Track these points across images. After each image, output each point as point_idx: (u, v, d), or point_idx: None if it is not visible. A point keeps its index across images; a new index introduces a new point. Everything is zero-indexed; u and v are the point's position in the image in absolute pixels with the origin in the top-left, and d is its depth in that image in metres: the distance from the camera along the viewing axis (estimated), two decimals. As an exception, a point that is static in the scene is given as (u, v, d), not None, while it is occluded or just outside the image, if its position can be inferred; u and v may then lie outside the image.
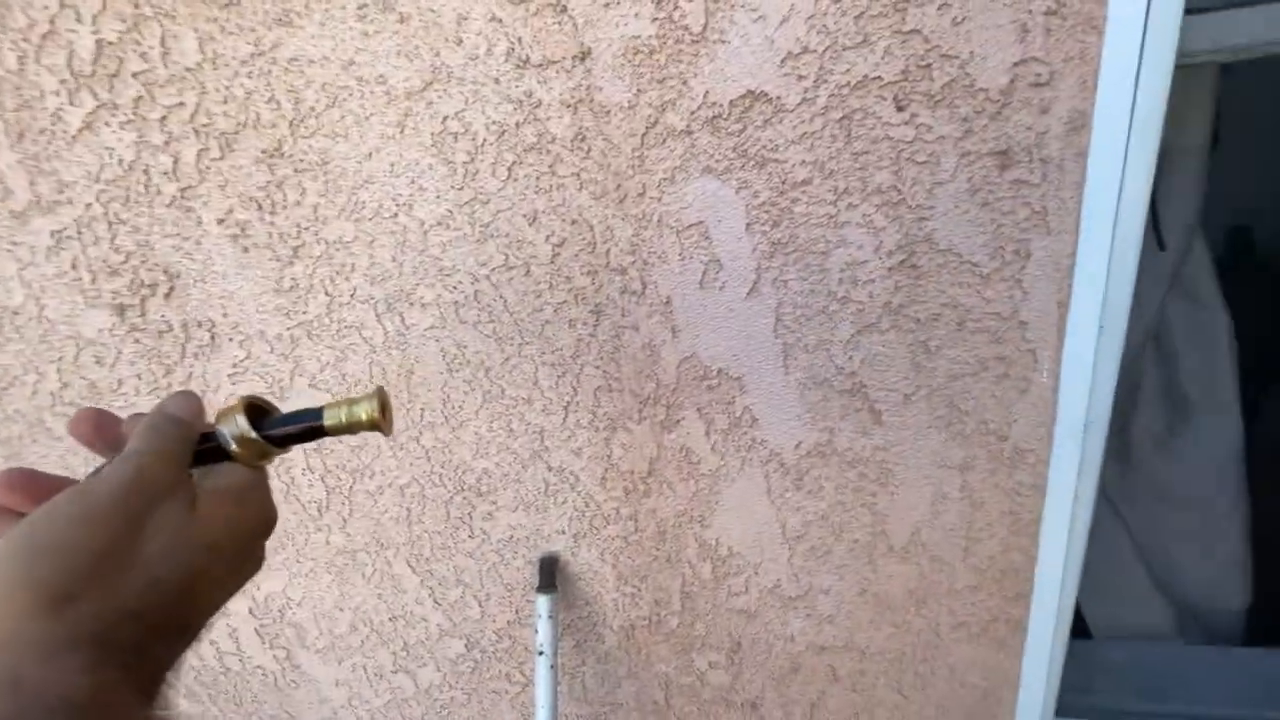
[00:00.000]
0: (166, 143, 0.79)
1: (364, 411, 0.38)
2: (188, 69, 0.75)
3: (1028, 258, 0.67)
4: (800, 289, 0.72)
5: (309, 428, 0.38)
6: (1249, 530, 1.03)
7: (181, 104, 0.77)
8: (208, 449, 0.37)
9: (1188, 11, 0.58)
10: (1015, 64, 0.61)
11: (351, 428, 0.38)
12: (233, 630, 1.12)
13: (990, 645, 0.85)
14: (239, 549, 0.36)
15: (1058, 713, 0.89)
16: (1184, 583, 1.06)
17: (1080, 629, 1.10)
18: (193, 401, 0.38)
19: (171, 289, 0.88)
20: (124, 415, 0.38)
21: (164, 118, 0.78)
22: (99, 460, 0.37)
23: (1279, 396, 1.92)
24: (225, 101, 0.76)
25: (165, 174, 0.81)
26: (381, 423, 0.38)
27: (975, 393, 0.73)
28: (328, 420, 0.38)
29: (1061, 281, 0.67)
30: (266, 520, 0.38)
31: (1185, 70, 0.83)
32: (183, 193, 0.82)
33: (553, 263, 0.77)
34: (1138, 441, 1.03)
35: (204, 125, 0.78)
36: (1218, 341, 0.93)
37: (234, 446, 0.36)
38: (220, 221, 0.83)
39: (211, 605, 0.35)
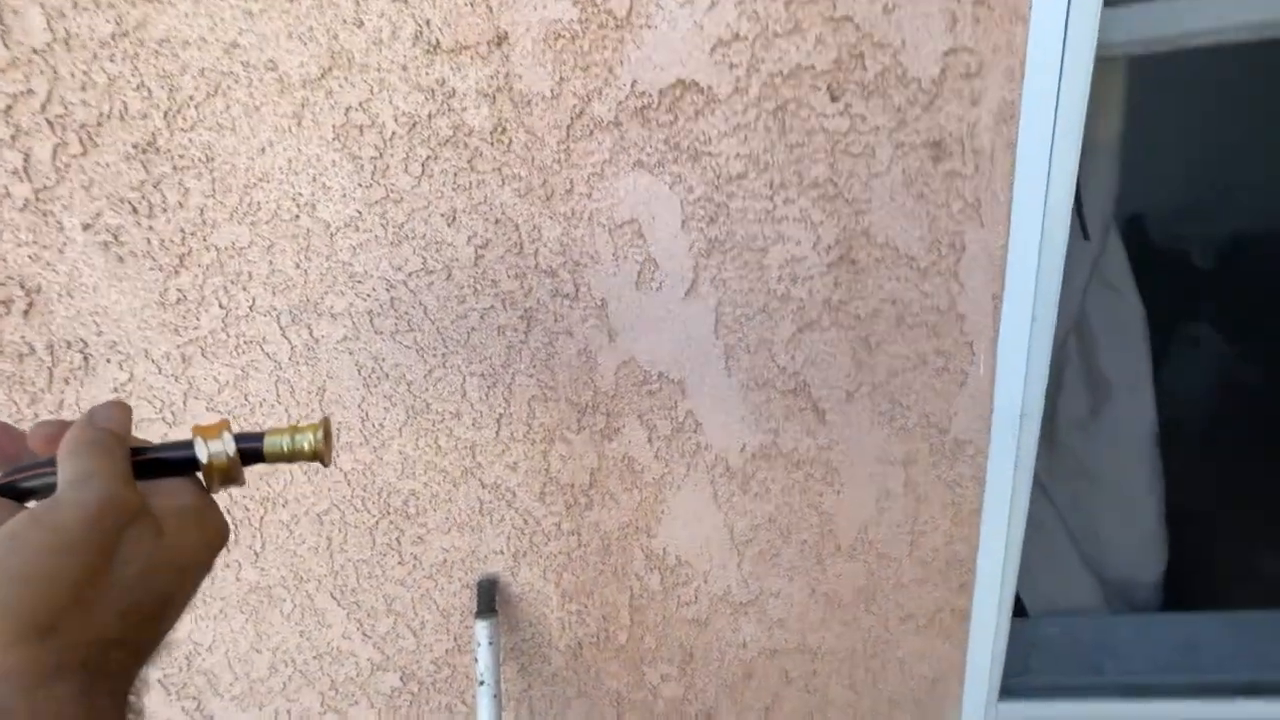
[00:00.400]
0: (14, 136, 0.68)
1: (307, 441, 0.37)
2: (35, 50, 0.65)
3: (963, 250, 0.67)
4: (740, 287, 0.69)
5: (248, 451, 0.37)
6: (1163, 503, 1.09)
7: (30, 91, 0.66)
8: (146, 462, 0.36)
9: (1106, 4, 0.59)
10: (945, 53, 0.60)
11: (292, 456, 0.38)
12: (132, 684, 1.00)
13: (937, 636, 0.86)
14: (202, 566, 0.36)
15: (1001, 695, 0.91)
16: (1108, 556, 1.12)
17: (1017, 608, 1.14)
18: (127, 413, 0.37)
19: (30, 305, 0.77)
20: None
21: (9, 107, 0.67)
22: None
23: (1187, 378, 2.07)
24: (84, 89, 0.66)
25: (15, 173, 0.70)
26: (324, 453, 0.38)
27: (916, 387, 0.72)
28: (268, 447, 0.37)
29: (995, 273, 0.68)
30: (223, 536, 0.38)
31: (1101, 64, 0.85)
32: (38, 195, 0.71)
33: (476, 265, 0.71)
34: (1063, 424, 1.07)
35: (59, 116, 0.67)
36: (1133, 327, 0.98)
37: (213, 466, 0.36)
38: (87, 227, 0.72)
39: (177, 620, 0.35)
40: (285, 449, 0.37)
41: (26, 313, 0.78)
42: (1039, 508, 1.12)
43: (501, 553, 0.86)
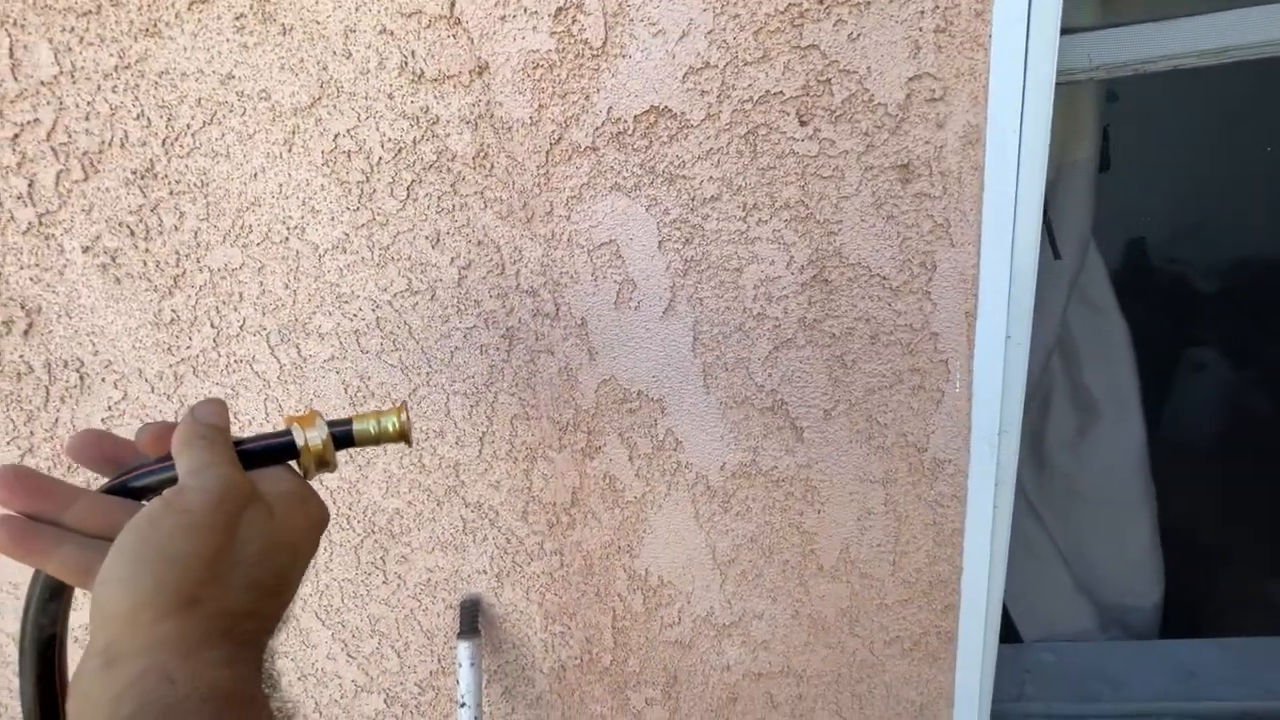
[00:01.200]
0: (20, 164, 0.71)
1: (392, 423, 0.40)
2: (43, 82, 0.68)
3: (934, 269, 0.68)
4: (716, 306, 0.70)
5: (340, 435, 0.40)
6: (1157, 525, 1.08)
7: (36, 120, 0.70)
8: (248, 452, 0.38)
9: (1064, 32, 0.61)
10: (910, 79, 0.62)
11: (379, 438, 0.40)
12: (117, 705, 1.00)
13: (923, 660, 0.84)
14: (311, 545, 0.39)
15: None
16: (1102, 580, 1.10)
17: (1010, 634, 1.12)
18: (224, 408, 0.40)
19: (30, 325, 0.79)
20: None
21: (16, 135, 0.70)
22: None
23: (1178, 398, 2.06)
24: (87, 118, 0.69)
25: (19, 198, 0.73)
26: (409, 433, 0.41)
27: (893, 405, 0.73)
28: (357, 431, 0.40)
29: (968, 292, 0.68)
30: (325, 518, 0.41)
31: (1071, 89, 0.88)
32: (41, 219, 0.74)
33: (459, 286, 0.73)
34: (1052, 445, 1.06)
35: (63, 144, 0.70)
36: (1117, 345, 0.98)
37: (309, 451, 0.38)
38: (86, 250, 0.75)
39: (293, 596, 0.38)
40: (373, 431, 0.40)
41: (26, 333, 0.80)
42: (1031, 531, 1.11)
43: (485, 572, 0.86)
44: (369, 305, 0.75)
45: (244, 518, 0.36)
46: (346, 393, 0.79)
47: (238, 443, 0.39)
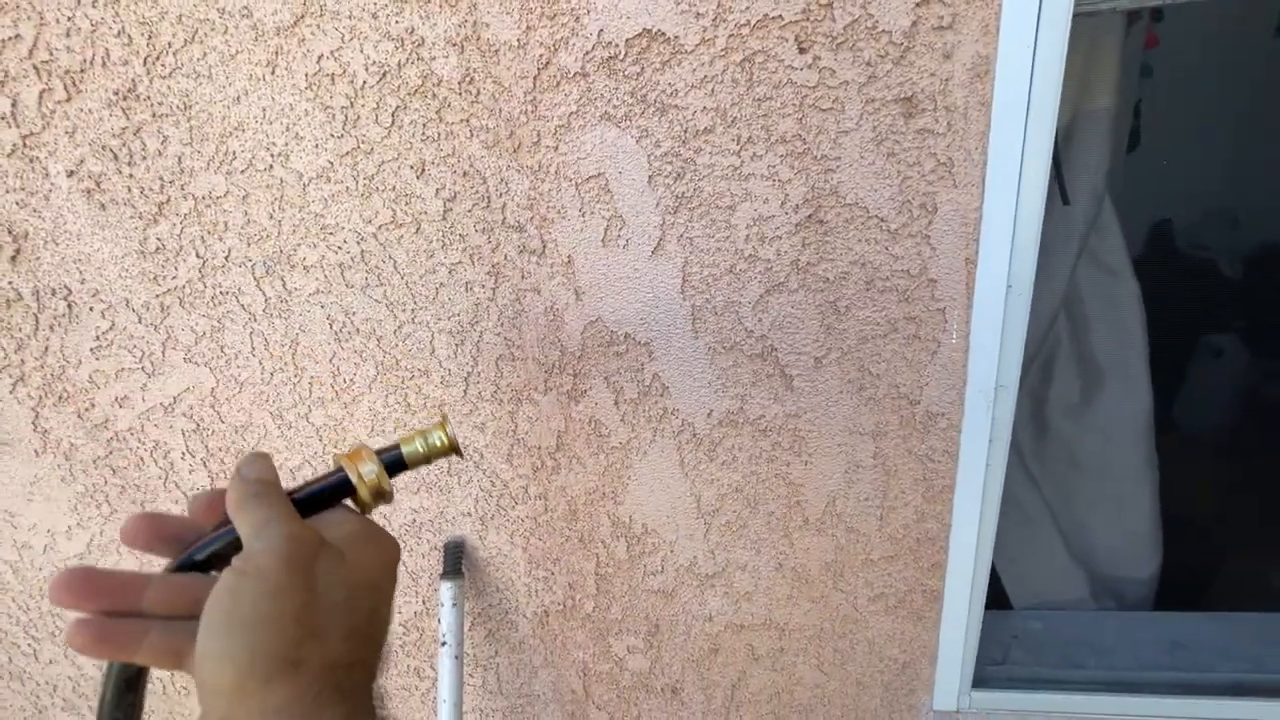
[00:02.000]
0: (2, 82, 0.70)
1: (439, 439, 0.39)
2: (22, -4, 0.67)
3: (934, 212, 0.65)
4: (706, 246, 0.68)
5: (391, 462, 0.39)
6: (1157, 498, 1.05)
7: (17, 36, 0.68)
8: (303, 500, 0.37)
9: (1086, -44, 0.57)
10: (917, 4, 0.58)
11: (429, 456, 0.40)
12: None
13: (908, 617, 0.83)
14: (390, 580, 0.38)
15: (975, 684, 0.88)
16: (1097, 550, 1.08)
17: (1000, 600, 1.11)
18: (269, 460, 0.39)
19: (18, 251, 0.79)
20: None
21: (-3, 52, 0.69)
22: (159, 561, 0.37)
23: (1192, 382, 2.01)
24: (68, 35, 0.68)
25: (3, 119, 0.72)
26: (457, 443, 0.40)
27: (886, 355, 0.70)
28: (407, 455, 0.39)
29: (969, 237, 0.66)
30: (397, 551, 0.40)
31: (1093, 26, 0.83)
32: (25, 140, 0.73)
33: (444, 219, 0.71)
34: (1053, 410, 1.03)
35: (45, 62, 0.69)
36: (1128, 310, 0.94)
37: (365, 486, 0.38)
38: (71, 174, 0.74)
39: (387, 633, 0.38)
40: (422, 450, 0.39)
41: (14, 259, 0.80)
42: (1027, 497, 1.09)
43: (469, 515, 0.86)
44: (354, 238, 0.73)
45: (318, 569, 0.34)
46: (331, 328, 0.78)
47: (291, 493, 0.38)
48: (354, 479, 0.38)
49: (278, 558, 0.33)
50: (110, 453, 0.89)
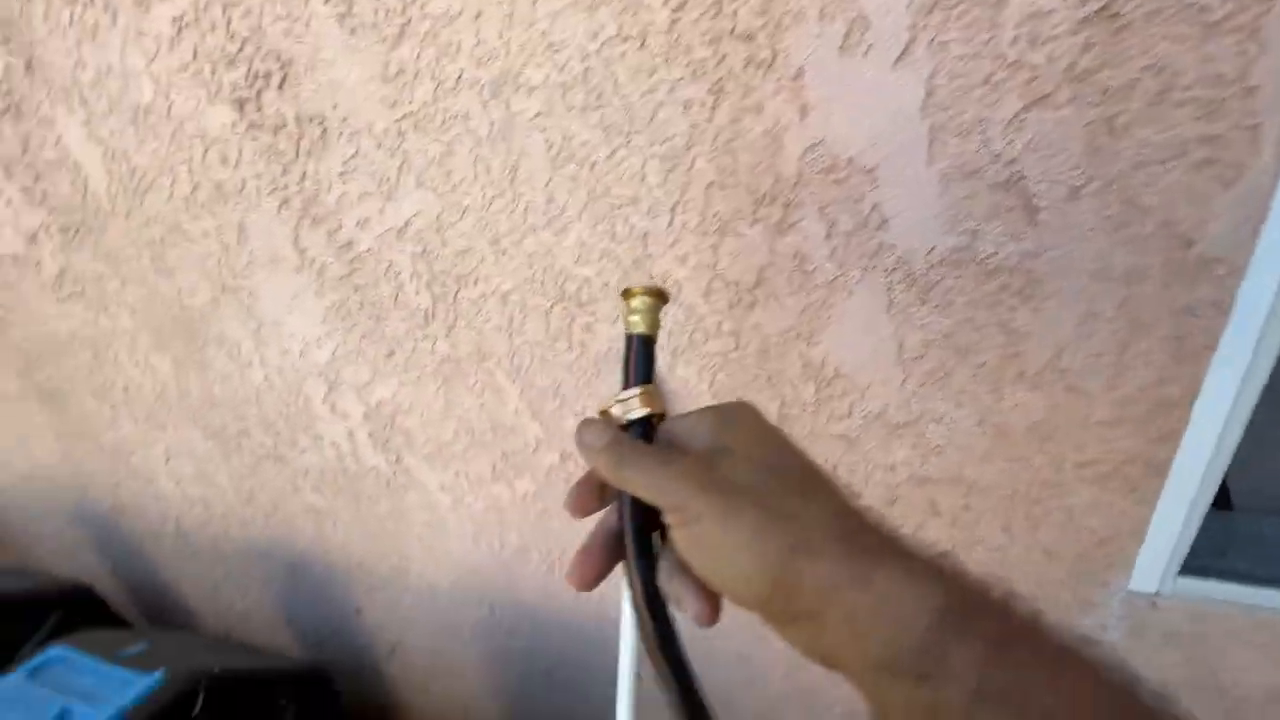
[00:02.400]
0: (272, -95, 0.76)
1: (645, 309, 0.41)
2: None
3: (1273, -2, 0.53)
4: (962, 52, 0.61)
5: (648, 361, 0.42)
6: None
7: None
8: (646, 436, 0.38)
9: None
10: None
11: (652, 311, 0.42)
12: (350, 433, 1.22)
13: (1119, 489, 0.78)
14: (774, 430, 0.37)
15: (1183, 571, 0.82)
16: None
17: (1221, 499, 1.00)
18: (600, 423, 0.40)
19: (285, 78, 0.88)
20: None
21: (268, -128, 0.74)
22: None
23: None
24: None
25: (272, -58, 0.78)
26: (661, 288, 0.42)
27: (1163, 185, 0.61)
28: (649, 333, 0.42)
29: (1313, 32, 0.53)
30: (750, 406, 0.39)
31: None
32: (289, -36, 0.79)
33: (670, 31, 0.69)
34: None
35: (308, -121, 0.73)
36: None
37: (657, 401, 0.40)
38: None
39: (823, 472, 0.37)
40: (646, 326, 0.42)
41: (281, 86, 0.89)
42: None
43: (662, 347, 0.90)
44: (578, 55, 0.74)
45: (737, 477, 0.32)
46: (549, 152, 0.81)
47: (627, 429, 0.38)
48: (656, 410, 0.39)
49: (703, 500, 0.32)
50: (352, 271, 1.01)
